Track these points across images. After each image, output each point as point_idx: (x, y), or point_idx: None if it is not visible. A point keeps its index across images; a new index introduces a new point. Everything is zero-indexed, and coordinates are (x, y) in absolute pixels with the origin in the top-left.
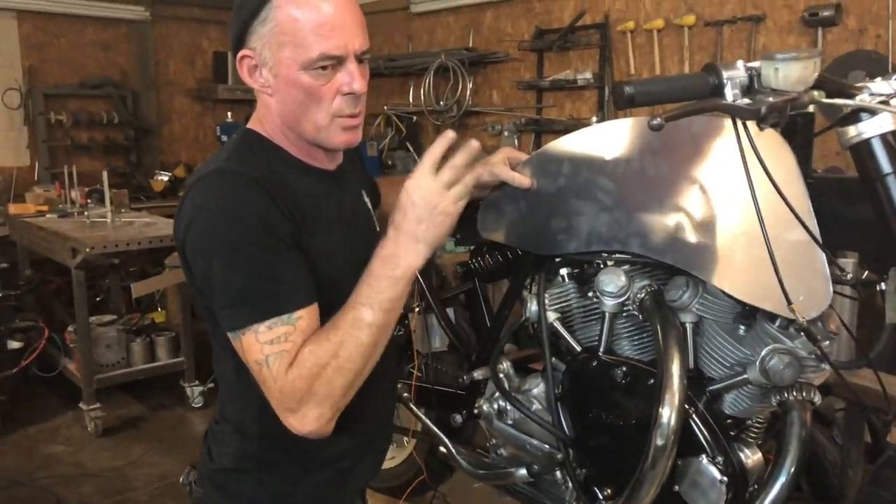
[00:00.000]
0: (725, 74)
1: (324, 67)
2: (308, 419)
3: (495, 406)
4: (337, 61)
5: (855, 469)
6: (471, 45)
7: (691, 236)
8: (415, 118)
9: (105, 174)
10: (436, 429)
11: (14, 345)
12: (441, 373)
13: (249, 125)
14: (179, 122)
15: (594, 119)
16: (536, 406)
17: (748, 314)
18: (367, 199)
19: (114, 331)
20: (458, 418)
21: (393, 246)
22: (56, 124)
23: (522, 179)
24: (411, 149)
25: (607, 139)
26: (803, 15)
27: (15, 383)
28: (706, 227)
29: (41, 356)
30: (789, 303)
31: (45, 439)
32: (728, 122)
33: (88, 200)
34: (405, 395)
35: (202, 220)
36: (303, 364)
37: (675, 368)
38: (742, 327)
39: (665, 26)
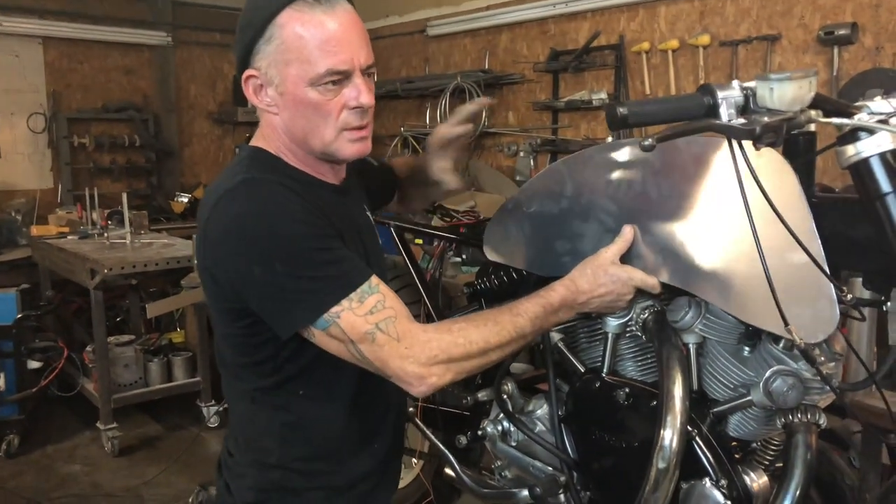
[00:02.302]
0: (720, 94)
1: (332, 83)
2: (433, 373)
3: (499, 428)
4: (343, 76)
5: (872, 492)
6: (487, 66)
7: (693, 257)
8: None
9: (125, 196)
10: (443, 448)
11: (34, 364)
12: (447, 393)
13: (254, 144)
14: (200, 144)
15: (609, 139)
16: (540, 428)
17: (752, 335)
18: (369, 214)
19: (132, 351)
20: (463, 440)
21: (572, 297)
22: (79, 147)
23: (451, 181)
24: None
25: (609, 160)
26: (819, 34)
27: (34, 403)
28: (708, 247)
29: (60, 376)
30: (786, 324)
31: (63, 458)
32: (724, 143)
33: (109, 222)
34: (411, 410)
35: (248, 227)
36: (447, 331)
37: (678, 390)
38: (746, 348)
39: (680, 46)
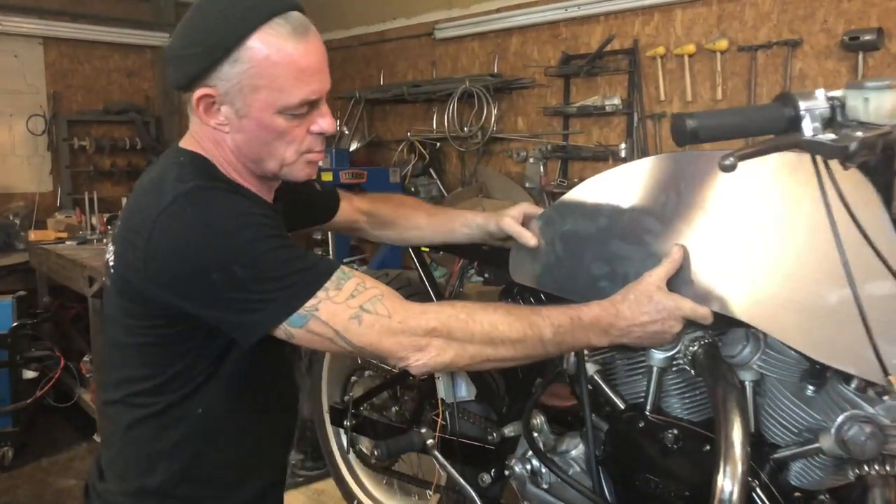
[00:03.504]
0: (803, 106)
1: (301, 112)
2: (431, 346)
3: (528, 467)
4: (311, 105)
5: None
6: (496, 70)
7: (754, 284)
8: (438, 144)
9: (125, 200)
10: (465, 484)
11: (29, 374)
12: (467, 424)
13: (188, 149)
14: None
15: (622, 146)
16: (575, 469)
17: (818, 373)
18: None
19: None
20: (487, 478)
21: (610, 322)
22: (79, 150)
23: (528, 237)
24: (434, 175)
25: (654, 175)
26: (843, 39)
27: (30, 414)
28: (772, 273)
29: (57, 385)
30: (886, 373)
31: (58, 472)
32: (799, 157)
33: (108, 227)
34: (430, 441)
35: (206, 233)
36: (449, 305)
37: (737, 434)
38: (810, 387)
39: (696, 51)
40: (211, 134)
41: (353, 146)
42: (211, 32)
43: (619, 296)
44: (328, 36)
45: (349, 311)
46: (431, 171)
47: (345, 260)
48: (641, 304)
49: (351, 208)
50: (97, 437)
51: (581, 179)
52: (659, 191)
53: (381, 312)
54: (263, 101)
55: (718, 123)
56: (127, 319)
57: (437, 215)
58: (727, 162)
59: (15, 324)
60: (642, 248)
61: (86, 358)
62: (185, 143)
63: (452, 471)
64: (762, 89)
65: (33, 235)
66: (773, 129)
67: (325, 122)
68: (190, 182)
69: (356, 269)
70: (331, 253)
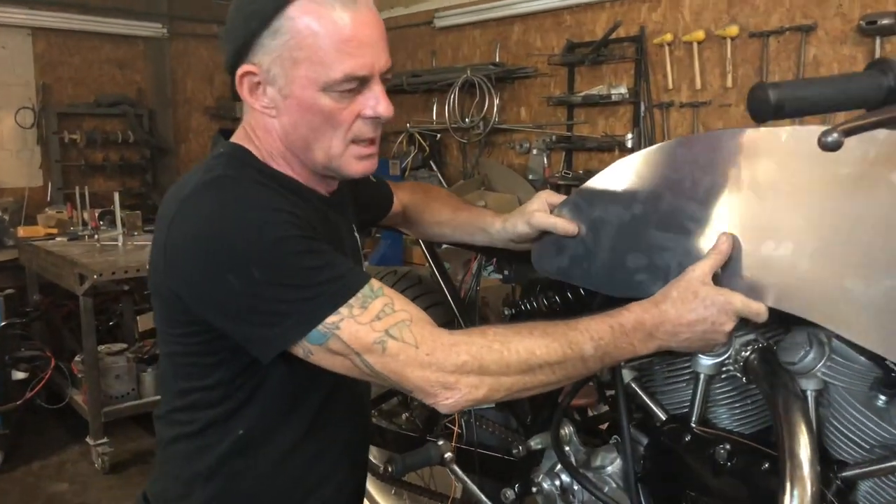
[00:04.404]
0: None
1: (348, 90)
2: (462, 384)
3: (557, 483)
4: (361, 82)
5: None
6: (498, 59)
7: (819, 278)
8: (439, 136)
9: (116, 196)
10: (487, 501)
11: (19, 375)
12: (487, 433)
13: (236, 141)
14: (196, 141)
15: (629, 136)
16: (611, 487)
17: (893, 381)
18: (357, 235)
19: (124, 360)
20: (511, 494)
21: (655, 323)
22: (70, 144)
23: (567, 225)
24: (435, 168)
25: (699, 154)
26: (859, 24)
27: (20, 416)
28: (842, 267)
29: (48, 386)
30: None
31: (50, 476)
32: (872, 134)
33: (100, 223)
34: (448, 455)
35: (223, 229)
36: (481, 334)
37: (804, 452)
38: (882, 398)
39: (706, 38)
40: (261, 121)
41: None
42: (250, 2)
43: (660, 295)
44: None
45: (373, 334)
46: (432, 163)
47: None
48: (687, 302)
49: (398, 201)
50: (90, 440)
51: (586, 171)
52: (703, 173)
53: (407, 340)
54: (305, 76)
55: (807, 95)
56: (161, 326)
57: (461, 212)
58: (830, 138)
59: (3, 323)
60: (685, 237)
61: (77, 358)
62: (236, 135)
63: (473, 487)
64: (774, 77)
65: (22, 232)
66: (871, 102)
67: (379, 105)
68: (217, 171)
69: (384, 287)
70: None
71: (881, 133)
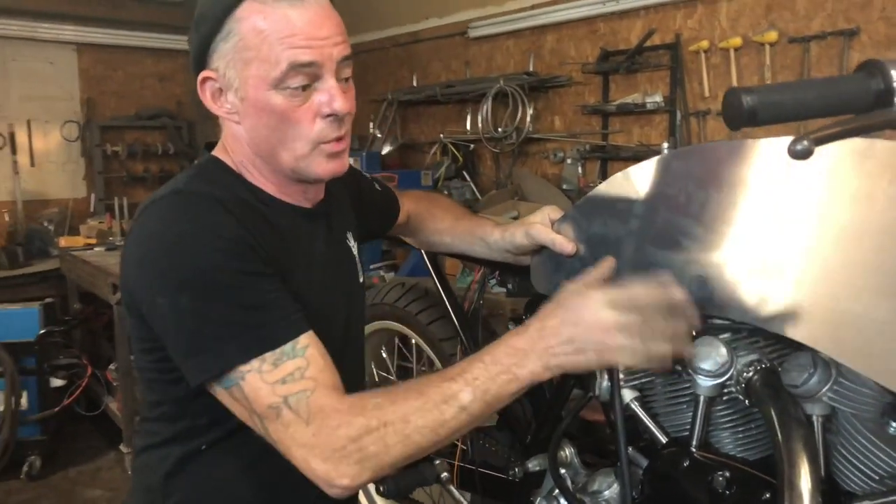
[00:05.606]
0: None
1: (302, 87)
2: (342, 474)
3: None
4: (311, 77)
5: None
6: (531, 69)
7: (824, 303)
8: (472, 146)
9: None
10: None
11: (57, 382)
12: (489, 452)
13: (216, 154)
14: None
15: (665, 145)
16: None
17: None
18: (352, 243)
19: None
20: None
21: (528, 343)
22: (112, 156)
23: (565, 244)
24: (468, 178)
25: (691, 168)
26: None
27: (57, 423)
28: (839, 288)
29: (86, 393)
30: None
31: (85, 482)
32: (869, 143)
33: None
34: (444, 475)
35: (160, 248)
36: (360, 411)
37: (805, 482)
38: (894, 425)
39: (743, 44)
40: (230, 129)
41: (386, 149)
42: (204, 7)
43: (539, 311)
44: (360, 38)
45: (273, 398)
46: (465, 173)
47: (372, 266)
48: (550, 313)
49: (404, 209)
50: (124, 448)
51: None
52: (697, 187)
53: (301, 414)
54: (256, 75)
55: (784, 100)
56: (132, 338)
57: (462, 221)
58: (799, 147)
59: (42, 331)
60: (680, 254)
61: (111, 366)
62: (217, 147)
63: None
64: None
65: (64, 242)
66: (856, 107)
67: (334, 101)
68: (179, 185)
69: (309, 347)
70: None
71: (880, 145)
